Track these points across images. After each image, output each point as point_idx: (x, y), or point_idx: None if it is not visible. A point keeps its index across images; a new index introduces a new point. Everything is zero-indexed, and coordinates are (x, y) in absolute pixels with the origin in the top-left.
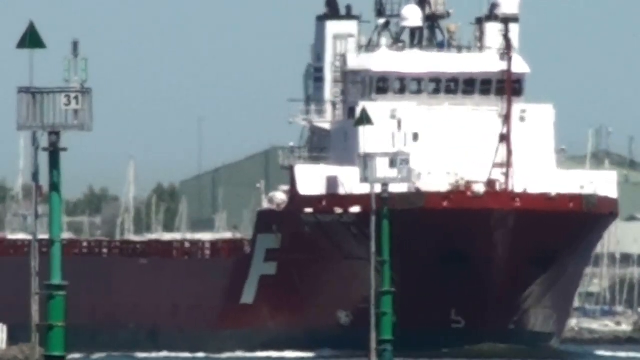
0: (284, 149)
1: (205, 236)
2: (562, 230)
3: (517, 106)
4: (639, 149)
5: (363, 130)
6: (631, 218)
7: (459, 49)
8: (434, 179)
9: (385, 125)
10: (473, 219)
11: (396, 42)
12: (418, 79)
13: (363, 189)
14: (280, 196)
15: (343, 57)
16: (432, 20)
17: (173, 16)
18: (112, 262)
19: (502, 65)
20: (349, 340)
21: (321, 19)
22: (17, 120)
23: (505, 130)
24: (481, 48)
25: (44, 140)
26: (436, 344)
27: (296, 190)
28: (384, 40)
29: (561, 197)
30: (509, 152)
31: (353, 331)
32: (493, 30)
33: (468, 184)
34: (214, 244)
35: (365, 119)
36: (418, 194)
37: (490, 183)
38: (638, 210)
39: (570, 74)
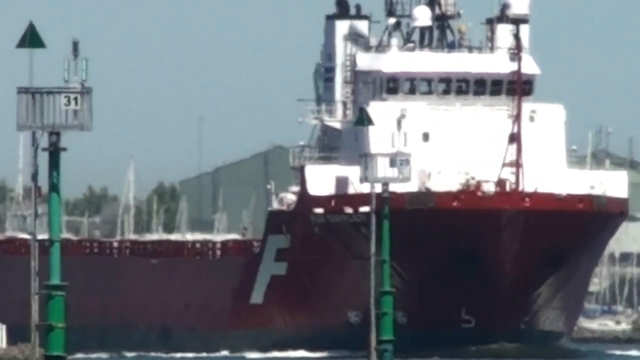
0: (285, 148)
1: (216, 237)
2: (572, 230)
3: (527, 106)
4: (639, 149)
5: (373, 130)
6: (631, 218)
7: (470, 49)
8: (445, 178)
9: (397, 126)
10: (483, 218)
11: (406, 42)
12: (428, 79)
13: (375, 189)
14: (290, 196)
15: (353, 58)
16: (442, 20)
17: (174, 16)
18: (123, 262)
19: (512, 66)
20: (358, 340)
21: (331, 19)
22: (17, 121)
23: (515, 130)
24: (492, 48)
25: (43, 141)
26: (446, 343)
27: (306, 191)
28: (394, 41)
29: (571, 197)
30: (519, 152)
31: (363, 331)
32: (503, 30)
33: (478, 184)
34: (224, 244)
35: (366, 120)
36: (428, 193)
37: (501, 183)
38: (638, 210)
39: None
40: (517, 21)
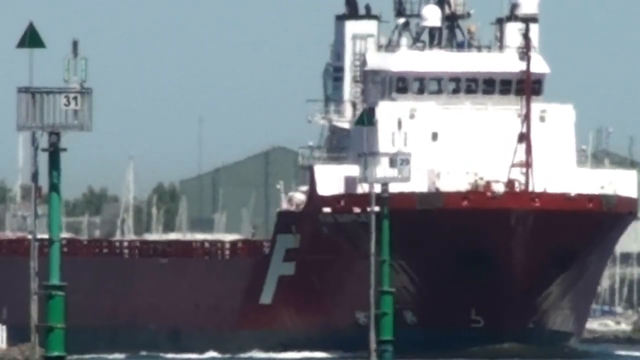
0: (285, 149)
1: (226, 236)
2: (582, 230)
3: (537, 106)
4: (639, 149)
5: (382, 130)
6: None
7: (479, 49)
8: (453, 178)
9: (405, 125)
10: (492, 219)
11: (416, 42)
12: (438, 79)
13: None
14: (299, 196)
15: (362, 57)
16: (452, 20)
17: (174, 16)
18: (132, 262)
19: (521, 65)
20: (367, 340)
21: (340, 19)
22: (17, 121)
23: (524, 130)
24: (501, 48)
25: (43, 141)
26: (456, 343)
27: (315, 191)
28: (404, 40)
29: (580, 197)
30: (528, 152)
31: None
32: (513, 30)
33: (487, 184)
34: (233, 244)
35: (366, 120)
36: (437, 193)
37: (510, 183)
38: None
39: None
40: (527, 20)
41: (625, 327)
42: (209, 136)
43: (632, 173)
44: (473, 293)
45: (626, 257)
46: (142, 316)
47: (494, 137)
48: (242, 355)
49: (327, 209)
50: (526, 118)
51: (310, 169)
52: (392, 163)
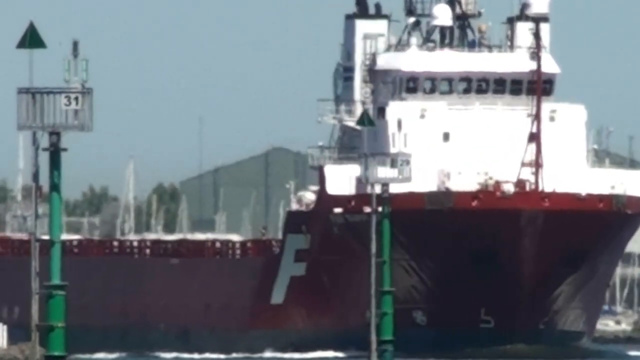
0: (285, 149)
1: (235, 236)
2: (592, 230)
3: (548, 106)
4: (639, 149)
5: (394, 130)
6: None
7: (490, 48)
8: (464, 178)
9: (416, 125)
10: (502, 219)
11: (426, 41)
12: (448, 79)
13: (392, 188)
14: (309, 196)
15: (373, 57)
16: (462, 19)
17: (175, 16)
18: (143, 262)
19: (532, 65)
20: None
21: (350, 18)
22: (17, 121)
23: (534, 130)
24: (512, 48)
25: (44, 141)
26: (465, 344)
27: (325, 190)
28: (414, 40)
29: (590, 197)
30: (539, 152)
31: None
32: (524, 29)
33: (497, 184)
34: (243, 244)
35: (366, 121)
36: (447, 193)
37: (520, 183)
38: None
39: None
40: (538, 20)
41: (625, 327)
42: (209, 136)
43: None
44: (483, 293)
45: (626, 257)
46: (152, 316)
47: (504, 137)
48: (253, 355)
49: (337, 209)
50: (536, 118)
51: (320, 169)
52: (393, 163)
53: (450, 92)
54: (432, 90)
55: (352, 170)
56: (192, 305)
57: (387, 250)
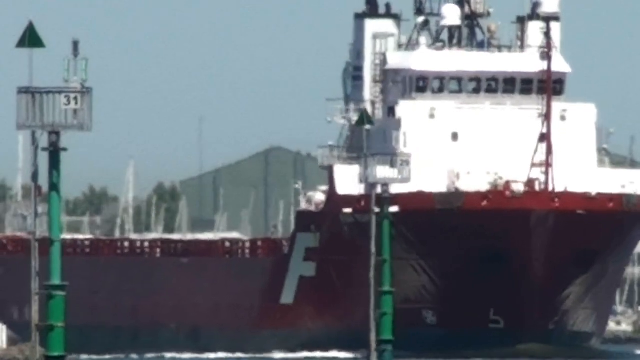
0: (284, 149)
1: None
2: (602, 230)
3: (558, 105)
4: (639, 149)
5: (403, 129)
6: None
7: (500, 48)
8: (474, 178)
9: (425, 125)
10: (512, 219)
11: (436, 41)
12: (458, 78)
13: (401, 188)
14: (318, 196)
15: (382, 56)
16: (471, 19)
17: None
18: (153, 261)
19: (542, 65)
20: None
21: (360, 17)
22: (17, 120)
23: (545, 130)
24: (522, 47)
25: (43, 140)
26: (475, 344)
27: (334, 190)
28: (424, 40)
29: (601, 197)
30: (549, 152)
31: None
32: (534, 29)
33: (507, 184)
34: (253, 243)
35: (366, 120)
36: (457, 193)
37: (530, 183)
38: None
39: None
40: (548, 19)
41: (625, 327)
42: (209, 136)
43: None
44: (493, 293)
45: None
46: (163, 315)
47: (514, 137)
48: (263, 355)
49: (347, 209)
50: (547, 118)
51: (330, 169)
52: (393, 164)
53: (460, 91)
54: (442, 90)
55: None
56: (202, 304)
57: (388, 250)
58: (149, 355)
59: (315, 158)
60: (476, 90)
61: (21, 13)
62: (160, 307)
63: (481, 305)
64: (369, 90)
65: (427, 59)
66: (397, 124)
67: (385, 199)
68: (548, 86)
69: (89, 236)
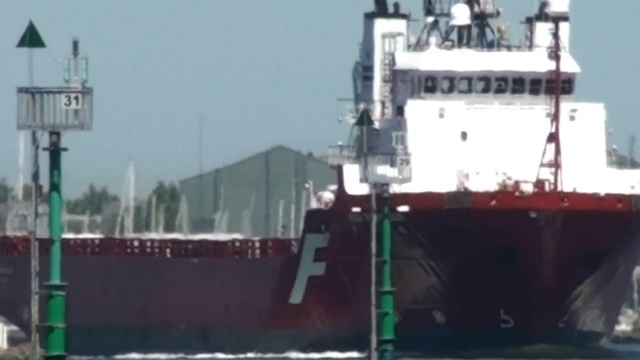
0: (286, 148)
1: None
2: (611, 230)
3: (567, 105)
4: (639, 149)
5: (412, 129)
6: None
7: (509, 48)
8: (483, 178)
9: (434, 125)
10: (521, 218)
11: (445, 41)
12: (467, 78)
13: (411, 188)
14: (328, 195)
15: (392, 56)
16: (481, 19)
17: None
18: (163, 261)
19: (551, 65)
20: (397, 340)
21: (369, 17)
22: (17, 120)
23: (553, 130)
24: (531, 47)
25: (43, 140)
26: (485, 343)
27: (344, 190)
28: (433, 39)
29: (610, 197)
30: (558, 152)
31: (401, 331)
32: (543, 29)
33: (516, 184)
34: (262, 243)
35: (365, 121)
36: (466, 193)
37: (539, 183)
38: None
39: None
40: (557, 19)
41: (625, 327)
42: (209, 136)
43: None
44: (502, 293)
45: None
46: (172, 315)
47: (523, 137)
48: (273, 355)
49: (356, 209)
50: (555, 118)
51: (339, 169)
52: (393, 163)
53: (469, 91)
54: (451, 90)
55: None
56: (211, 305)
57: (388, 250)
58: (160, 356)
59: (317, 157)
60: (485, 90)
61: (21, 13)
62: (170, 307)
63: (491, 305)
64: (378, 90)
65: (436, 58)
66: (406, 124)
67: (385, 199)
68: (557, 86)
69: (99, 235)
